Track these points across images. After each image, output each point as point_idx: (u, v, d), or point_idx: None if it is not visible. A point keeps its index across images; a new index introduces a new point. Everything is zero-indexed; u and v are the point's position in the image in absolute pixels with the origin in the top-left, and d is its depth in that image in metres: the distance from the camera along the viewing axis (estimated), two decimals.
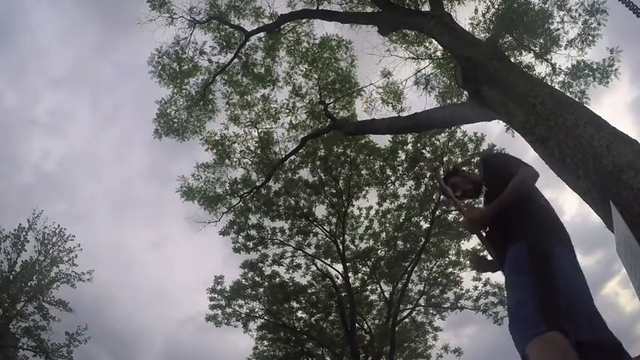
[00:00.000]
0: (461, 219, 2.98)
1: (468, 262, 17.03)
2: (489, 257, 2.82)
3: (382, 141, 14.71)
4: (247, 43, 10.67)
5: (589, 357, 1.95)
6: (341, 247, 16.49)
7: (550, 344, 1.84)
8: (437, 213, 15.42)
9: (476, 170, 3.07)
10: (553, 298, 2.00)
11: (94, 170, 54.73)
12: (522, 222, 2.40)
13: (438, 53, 10.56)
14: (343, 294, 16.66)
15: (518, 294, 2.13)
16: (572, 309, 2.04)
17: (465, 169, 3.32)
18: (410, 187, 15.58)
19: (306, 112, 12.81)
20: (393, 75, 11.65)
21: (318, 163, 15.05)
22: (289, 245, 16.71)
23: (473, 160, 13.85)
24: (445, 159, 14.52)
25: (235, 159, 13.56)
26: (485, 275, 16.87)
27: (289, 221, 16.23)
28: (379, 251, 17.17)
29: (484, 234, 2.66)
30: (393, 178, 15.48)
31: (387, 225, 16.82)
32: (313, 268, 17.49)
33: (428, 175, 14.07)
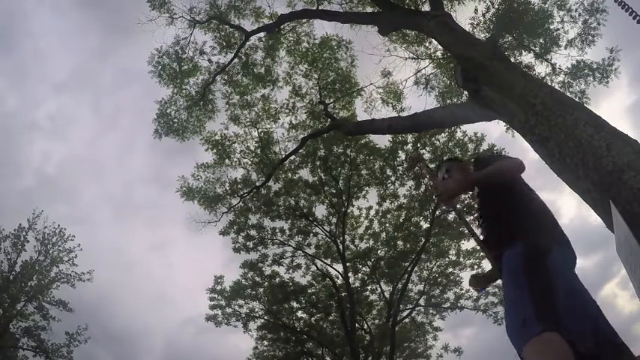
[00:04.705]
0: (435, 192, 3.20)
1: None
2: (485, 272, 2.94)
3: (382, 141, 14.72)
4: (247, 43, 10.65)
5: (591, 356, 1.95)
6: (341, 247, 16.49)
7: (546, 345, 1.83)
8: (437, 213, 15.42)
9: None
10: (550, 298, 1.98)
11: (95, 173, 54.71)
12: (517, 222, 2.39)
13: (438, 53, 10.54)
14: (343, 294, 16.66)
15: (513, 295, 2.12)
16: (572, 308, 2.02)
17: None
18: (410, 187, 15.61)
19: (306, 112, 12.82)
20: (393, 75, 11.62)
21: (318, 163, 15.04)
22: (289, 245, 16.72)
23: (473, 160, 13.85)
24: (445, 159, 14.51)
25: (235, 159, 13.59)
26: None
27: (289, 221, 16.23)
28: (379, 251, 17.18)
29: (461, 212, 2.80)
30: (393, 178, 15.50)
31: (387, 225, 16.82)
32: (313, 268, 17.51)
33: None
